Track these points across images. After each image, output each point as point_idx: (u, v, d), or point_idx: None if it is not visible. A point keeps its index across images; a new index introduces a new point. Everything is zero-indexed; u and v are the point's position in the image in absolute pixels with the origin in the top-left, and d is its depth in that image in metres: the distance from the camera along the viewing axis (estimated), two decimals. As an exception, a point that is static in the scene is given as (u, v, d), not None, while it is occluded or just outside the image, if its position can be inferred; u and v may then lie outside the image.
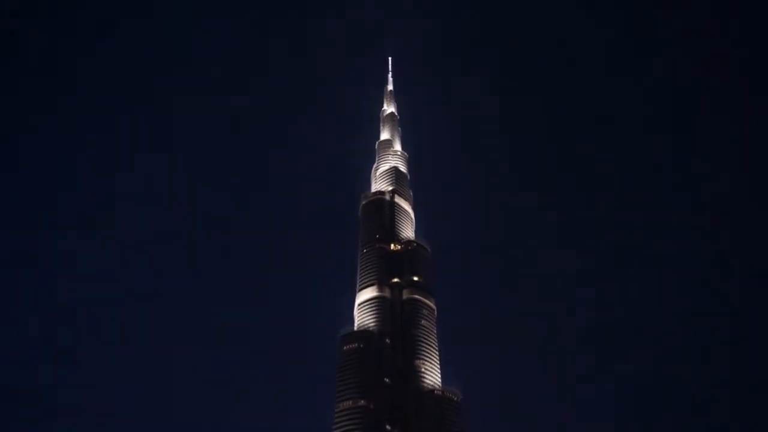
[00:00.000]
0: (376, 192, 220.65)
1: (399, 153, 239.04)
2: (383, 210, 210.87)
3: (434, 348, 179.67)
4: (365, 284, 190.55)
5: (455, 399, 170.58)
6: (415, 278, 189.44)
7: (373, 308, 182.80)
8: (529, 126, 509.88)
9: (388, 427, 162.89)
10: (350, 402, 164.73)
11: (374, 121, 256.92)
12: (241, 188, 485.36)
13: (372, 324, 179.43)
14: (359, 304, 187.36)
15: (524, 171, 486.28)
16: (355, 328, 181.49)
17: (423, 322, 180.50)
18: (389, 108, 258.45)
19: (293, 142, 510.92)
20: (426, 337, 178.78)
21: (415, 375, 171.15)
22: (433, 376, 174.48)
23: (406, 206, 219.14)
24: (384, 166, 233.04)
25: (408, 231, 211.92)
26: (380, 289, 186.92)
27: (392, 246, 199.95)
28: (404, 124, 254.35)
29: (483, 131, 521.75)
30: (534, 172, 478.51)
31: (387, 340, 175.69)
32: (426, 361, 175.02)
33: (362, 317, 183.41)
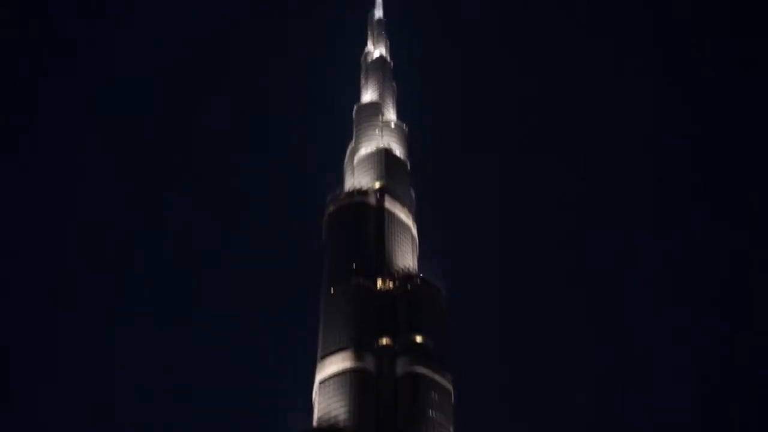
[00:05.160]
0: (352, 191, 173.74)
1: (393, 125, 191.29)
2: (365, 222, 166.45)
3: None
4: (332, 348, 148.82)
5: None
6: (419, 339, 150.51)
7: (345, 389, 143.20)
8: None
9: None
10: None
11: (352, 70, 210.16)
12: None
13: (342, 415, 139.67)
14: (322, 382, 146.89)
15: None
16: (315, 423, 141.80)
17: (431, 413, 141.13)
18: (377, 49, 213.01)
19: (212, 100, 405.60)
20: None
21: None
22: None
23: (403, 216, 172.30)
24: (367, 148, 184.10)
25: (407, 258, 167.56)
26: (357, 358, 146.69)
27: (380, 283, 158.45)
28: (402, 78, 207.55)
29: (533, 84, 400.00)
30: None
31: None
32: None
33: (326, 403, 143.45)
